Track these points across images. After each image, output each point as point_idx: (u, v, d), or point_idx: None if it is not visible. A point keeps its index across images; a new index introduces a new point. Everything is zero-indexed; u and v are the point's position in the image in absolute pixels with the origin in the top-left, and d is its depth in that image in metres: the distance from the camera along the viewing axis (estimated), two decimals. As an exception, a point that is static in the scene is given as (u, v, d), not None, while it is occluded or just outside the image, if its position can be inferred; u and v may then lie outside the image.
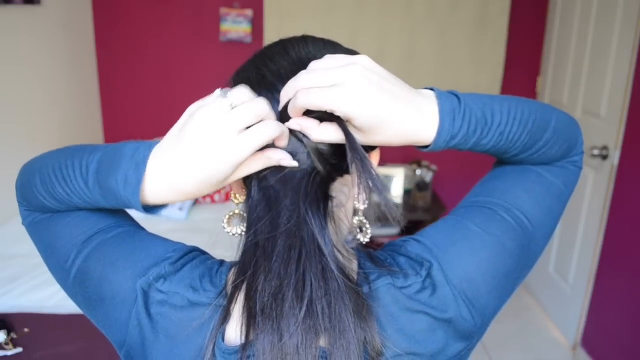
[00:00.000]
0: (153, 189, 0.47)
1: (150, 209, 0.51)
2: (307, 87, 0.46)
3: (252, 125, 0.46)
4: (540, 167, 0.59)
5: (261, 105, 0.46)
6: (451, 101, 0.49)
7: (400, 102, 0.46)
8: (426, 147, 0.50)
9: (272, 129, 0.46)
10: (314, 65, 0.48)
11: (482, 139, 0.51)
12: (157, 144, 0.48)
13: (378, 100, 0.45)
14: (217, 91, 0.47)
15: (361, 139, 0.48)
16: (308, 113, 0.47)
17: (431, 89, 0.50)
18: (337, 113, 0.45)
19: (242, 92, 0.47)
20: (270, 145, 0.48)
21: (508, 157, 0.57)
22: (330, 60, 0.47)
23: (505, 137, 0.52)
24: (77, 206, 0.54)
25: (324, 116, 0.47)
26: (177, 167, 0.46)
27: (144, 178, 0.47)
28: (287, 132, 0.48)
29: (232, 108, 0.45)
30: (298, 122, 0.47)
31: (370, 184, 0.46)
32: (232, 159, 0.45)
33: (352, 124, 0.47)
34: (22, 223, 0.61)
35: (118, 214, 0.59)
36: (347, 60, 0.46)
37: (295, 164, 0.48)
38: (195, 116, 0.46)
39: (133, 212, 0.58)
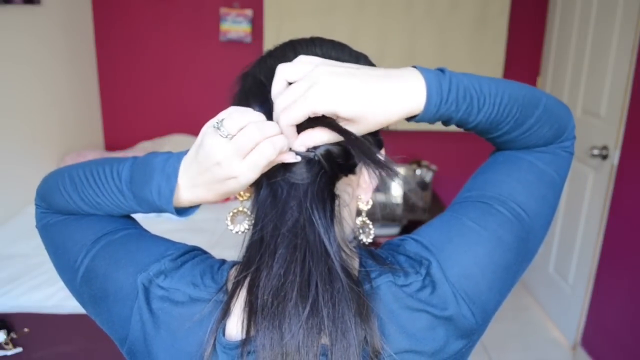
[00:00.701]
0: (182, 198, 0.52)
1: (183, 212, 0.55)
2: (285, 106, 0.48)
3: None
4: (532, 156, 0.59)
5: (256, 130, 0.47)
6: (435, 71, 0.50)
7: (377, 79, 0.47)
8: (418, 116, 0.50)
9: (269, 151, 0.47)
10: (281, 70, 0.49)
11: (474, 108, 0.51)
12: (185, 155, 0.52)
13: (352, 85, 0.46)
14: (213, 121, 0.49)
15: (357, 130, 0.48)
16: (300, 127, 0.49)
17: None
18: (320, 113, 0.47)
19: (235, 119, 0.47)
20: None
21: (501, 134, 0.56)
22: (298, 66, 0.49)
23: (497, 110, 0.52)
24: (104, 209, 0.57)
25: (314, 124, 0.48)
26: (198, 185, 0.50)
27: (177, 189, 0.51)
28: (286, 147, 0.49)
29: (231, 138, 0.47)
30: (300, 144, 0.49)
31: (377, 160, 0.47)
32: (241, 184, 0.48)
33: (340, 117, 0.48)
34: (36, 226, 0.64)
35: (127, 218, 0.62)
36: (312, 66, 0.48)
37: (298, 159, 0.50)
38: (204, 146, 0.48)
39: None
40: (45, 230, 0.62)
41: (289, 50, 0.55)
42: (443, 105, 0.49)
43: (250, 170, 0.47)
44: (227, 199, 2.61)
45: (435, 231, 0.56)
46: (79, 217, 0.59)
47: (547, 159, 0.59)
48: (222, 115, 0.49)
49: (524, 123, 0.55)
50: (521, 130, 0.56)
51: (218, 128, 0.47)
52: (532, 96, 0.55)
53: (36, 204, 0.64)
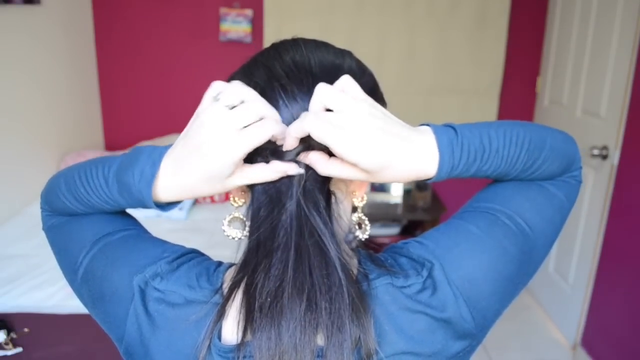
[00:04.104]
0: (164, 185, 0.51)
1: (162, 206, 0.54)
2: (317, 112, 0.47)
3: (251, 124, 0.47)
4: (544, 181, 0.60)
5: (261, 105, 0.48)
6: (448, 134, 0.50)
7: (403, 142, 0.48)
8: (430, 179, 0.51)
9: (270, 127, 0.47)
10: (320, 93, 0.48)
11: (483, 166, 0.53)
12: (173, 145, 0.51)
13: (382, 144, 0.47)
14: (211, 95, 0.49)
15: (367, 179, 0.49)
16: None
17: (427, 125, 0.51)
18: (342, 158, 0.47)
19: (237, 91, 0.48)
20: (273, 148, 0.50)
21: (510, 178, 0.58)
22: (337, 96, 0.47)
23: (505, 161, 0.54)
24: (95, 206, 0.57)
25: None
26: (182, 164, 0.49)
27: (158, 174, 0.50)
28: (286, 131, 0.49)
29: (231, 108, 0.47)
30: (309, 158, 0.49)
31: None
32: (230, 157, 0.47)
33: (357, 167, 0.48)
34: (43, 228, 0.65)
35: (128, 218, 0.62)
36: (352, 100, 0.47)
37: (301, 171, 0.50)
38: (199, 118, 0.48)
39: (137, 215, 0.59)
40: (51, 231, 0.63)
41: (273, 54, 0.54)
42: (453, 172, 0.51)
43: (242, 143, 0.46)
44: (227, 199, 2.61)
45: (442, 235, 0.57)
46: (80, 218, 0.60)
47: (558, 185, 0.60)
48: (217, 89, 0.49)
49: (532, 166, 0.56)
50: (530, 171, 0.57)
51: (217, 99, 0.47)
52: (537, 138, 0.56)
53: (41, 207, 0.65)
